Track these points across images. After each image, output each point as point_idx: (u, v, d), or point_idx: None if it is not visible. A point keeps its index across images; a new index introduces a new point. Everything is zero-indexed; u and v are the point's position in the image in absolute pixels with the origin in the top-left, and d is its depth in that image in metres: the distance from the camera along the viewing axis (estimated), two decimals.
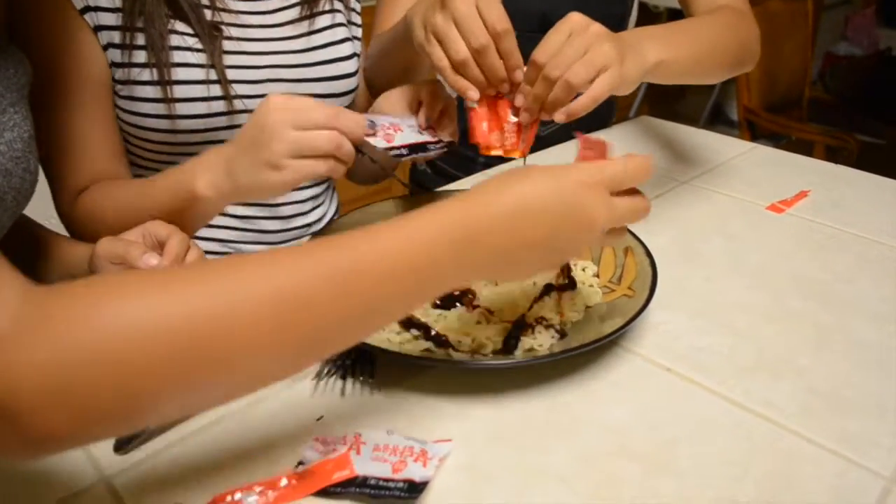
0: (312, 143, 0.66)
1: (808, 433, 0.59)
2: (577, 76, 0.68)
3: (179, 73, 0.83)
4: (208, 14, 0.86)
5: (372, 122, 0.72)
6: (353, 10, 1.01)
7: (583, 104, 0.70)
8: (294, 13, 0.93)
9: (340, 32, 0.96)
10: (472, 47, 0.69)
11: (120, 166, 0.87)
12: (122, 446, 0.56)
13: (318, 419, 0.60)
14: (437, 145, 0.78)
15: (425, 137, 0.77)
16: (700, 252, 0.88)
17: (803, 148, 2.13)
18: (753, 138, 2.29)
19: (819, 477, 0.55)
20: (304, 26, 0.93)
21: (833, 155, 2.19)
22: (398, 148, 0.73)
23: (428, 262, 0.48)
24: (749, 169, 1.14)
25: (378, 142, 0.72)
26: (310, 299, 0.44)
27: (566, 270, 0.77)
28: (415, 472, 0.53)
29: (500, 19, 0.69)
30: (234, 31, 0.88)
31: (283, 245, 0.96)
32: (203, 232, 0.93)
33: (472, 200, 0.51)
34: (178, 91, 0.83)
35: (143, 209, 0.75)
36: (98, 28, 0.80)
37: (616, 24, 1.20)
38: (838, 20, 4.28)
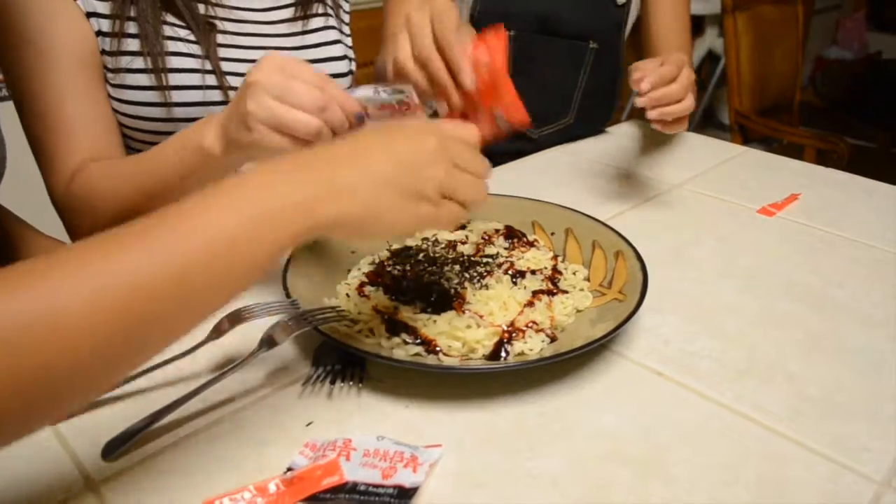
0: (286, 120, 0.62)
1: (799, 437, 0.59)
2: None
3: (173, 62, 0.83)
4: (202, 8, 0.86)
5: (360, 115, 0.66)
6: (343, 11, 1.02)
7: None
8: (288, 13, 0.94)
9: (332, 34, 0.97)
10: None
11: (114, 144, 0.86)
12: (109, 452, 0.55)
13: (307, 425, 0.60)
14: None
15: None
16: (691, 255, 0.88)
17: (794, 151, 2.14)
18: (745, 142, 2.30)
19: (810, 481, 0.55)
20: (297, 26, 0.95)
21: (824, 158, 2.19)
22: None
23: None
24: (740, 172, 1.14)
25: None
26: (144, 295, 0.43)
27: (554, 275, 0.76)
28: (405, 477, 0.53)
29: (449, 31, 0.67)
30: (228, 26, 0.89)
31: None
32: None
33: None
34: (173, 79, 0.83)
35: (153, 175, 0.74)
36: (90, 14, 0.80)
37: (614, 29, 1.19)
38: (829, 24, 4.31)
